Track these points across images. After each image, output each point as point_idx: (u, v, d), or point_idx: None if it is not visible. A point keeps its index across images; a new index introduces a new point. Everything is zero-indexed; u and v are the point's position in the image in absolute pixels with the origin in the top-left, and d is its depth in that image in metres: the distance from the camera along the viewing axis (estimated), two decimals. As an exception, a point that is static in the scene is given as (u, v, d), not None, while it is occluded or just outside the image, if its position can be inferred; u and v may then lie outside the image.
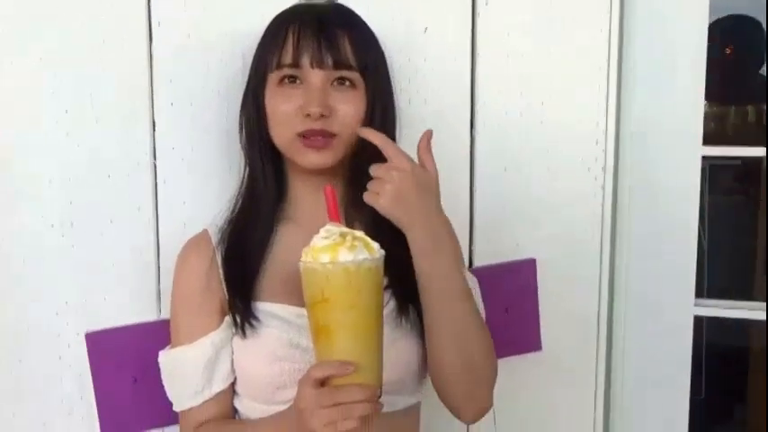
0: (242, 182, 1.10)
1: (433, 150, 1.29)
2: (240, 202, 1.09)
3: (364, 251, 0.86)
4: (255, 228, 1.06)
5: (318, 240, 0.87)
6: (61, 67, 1.17)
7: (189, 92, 1.21)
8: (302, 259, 0.87)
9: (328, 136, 1.00)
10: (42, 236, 1.18)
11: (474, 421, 1.08)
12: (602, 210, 1.38)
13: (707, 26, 1.38)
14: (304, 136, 1.00)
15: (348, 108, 1.02)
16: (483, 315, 1.09)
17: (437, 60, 1.31)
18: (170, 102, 1.21)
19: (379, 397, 0.88)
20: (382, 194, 0.95)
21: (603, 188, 1.37)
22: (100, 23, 1.17)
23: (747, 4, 1.83)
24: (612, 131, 1.36)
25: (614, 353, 1.47)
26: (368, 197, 0.96)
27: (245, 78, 1.09)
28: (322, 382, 0.87)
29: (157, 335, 1.15)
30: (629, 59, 1.39)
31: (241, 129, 1.09)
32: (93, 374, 1.19)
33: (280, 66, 1.01)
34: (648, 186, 1.42)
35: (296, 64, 1.01)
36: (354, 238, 0.86)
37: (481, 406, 1.06)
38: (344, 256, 0.84)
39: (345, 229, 0.88)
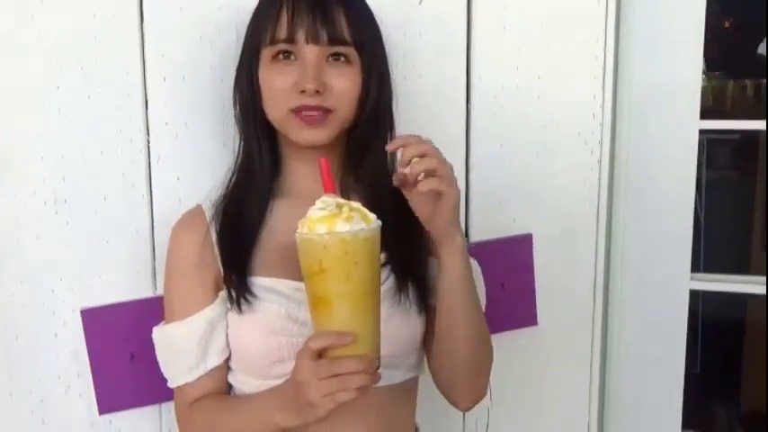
0: (237, 156, 1.09)
1: (430, 125, 1.29)
2: (235, 176, 1.09)
3: (361, 222, 0.86)
4: (251, 202, 1.06)
5: (314, 212, 0.86)
6: (52, 44, 1.15)
7: (181, 67, 1.20)
8: (298, 231, 0.87)
9: (324, 111, 1.00)
10: (36, 213, 1.18)
11: (470, 409, 1.11)
12: (599, 184, 1.37)
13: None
14: (298, 111, 0.99)
15: (344, 83, 1.01)
16: (484, 299, 1.10)
17: (432, 34, 1.29)
18: (162, 77, 1.19)
19: (377, 368, 0.88)
20: (453, 183, 0.92)
21: (600, 162, 1.37)
22: None
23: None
24: (609, 105, 1.35)
25: (610, 327, 1.47)
26: (440, 184, 0.91)
27: (239, 51, 1.08)
28: (320, 354, 0.87)
29: (153, 311, 1.14)
30: (626, 32, 1.38)
31: (235, 104, 1.08)
32: (89, 351, 1.19)
33: (274, 41, 1.00)
34: (645, 160, 1.42)
35: (291, 39, 0.99)
36: (351, 209, 0.86)
37: (479, 394, 1.09)
38: (341, 226, 0.84)
39: (341, 200, 0.88)
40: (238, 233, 1.04)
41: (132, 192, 1.21)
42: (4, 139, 1.16)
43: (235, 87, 1.07)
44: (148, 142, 1.20)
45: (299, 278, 0.97)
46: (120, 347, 1.20)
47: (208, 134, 1.21)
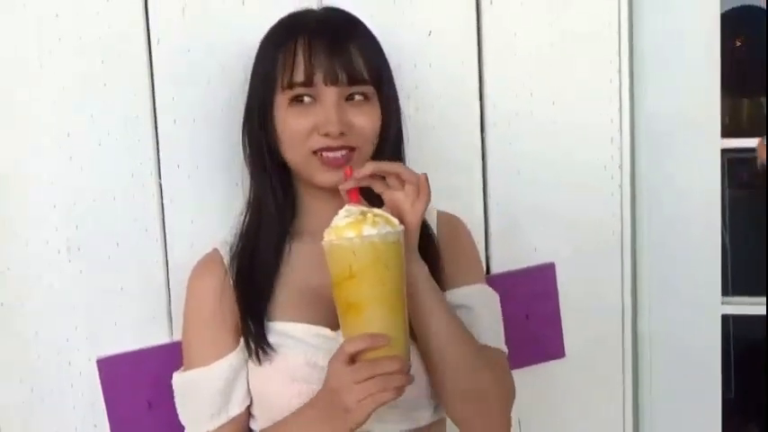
0: (248, 198, 1.07)
1: (445, 156, 1.29)
2: (248, 219, 1.07)
3: (387, 226, 0.87)
4: (267, 246, 1.04)
5: (340, 220, 0.88)
6: (61, 90, 1.15)
7: (191, 109, 1.19)
8: (325, 239, 0.88)
9: (348, 150, 0.99)
10: (49, 262, 1.16)
11: None
12: (621, 209, 1.35)
13: (719, 15, 1.35)
14: (321, 153, 0.98)
15: (365, 121, 1.00)
16: (501, 330, 1.07)
17: (443, 64, 1.28)
18: (173, 119, 1.19)
19: (409, 369, 0.88)
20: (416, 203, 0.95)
21: (621, 187, 1.35)
22: (98, 44, 1.16)
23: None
24: (627, 127, 1.33)
25: (641, 356, 1.43)
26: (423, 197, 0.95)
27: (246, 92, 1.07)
28: (353, 359, 0.87)
29: (171, 357, 1.13)
30: (639, 51, 1.36)
31: (245, 146, 1.06)
32: (106, 401, 1.17)
33: (291, 85, 0.98)
34: (668, 183, 1.39)
35: (309, 83, 0.98)
36: (375, 215, 0.88)
37: (496, 429, 1.03)
38: (369, 230, 0.86)
39: (365, 208, 0.89)
40: (255, 280, 1.02)
41: (145, 236, 1.19)
42: (15, 189, 1.15)
43: (244, 130, 1.06)
44: (160, 185, 1.19)
45: (319, 322, 0.98)
46: (138, 396, 1.18)
47: (220, 175, 1.20)
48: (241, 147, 1.09)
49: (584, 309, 1.36)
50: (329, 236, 0.88)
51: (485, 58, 1.30)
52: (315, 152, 0.99)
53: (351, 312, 0.88)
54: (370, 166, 0.94)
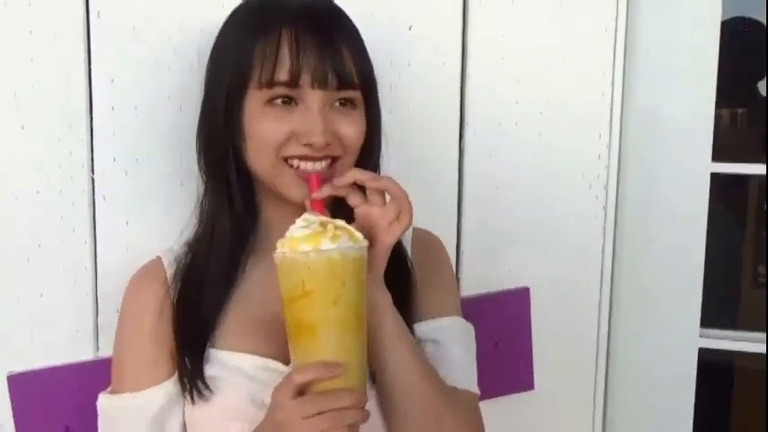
0: (201, 205, 0.96)
1: (418, 164, 1.20)
2: (201, 226, 0.96)
3: (348, 241, 0.80)
4: (217, 266, 0.93)
5: (297, 230, 0.81)
6: (-21, 63, 1.03)
7: (133, 94, 1.08)
8: (278, 250, 0.81)
9: (331, 160, 0.89)
10: (-44, 263, 1.05)
11: None
12: (604, 232, 1.29)
13: (719, 32, 1.28)
14: (298, 164, 0.88)
15: (351, 131, 0.90)
16: (474, 371, 0.98)
17: (423, 63, 1.20)
18: (111, 105, 1.08)
19: (364, 405, 0.80)
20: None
21: (605, 208, 1.29)
22: (26, 12, 1.03)
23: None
24: (616, 144, 1.27)
25: (612, 393, 1.36)
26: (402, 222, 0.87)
27: (201, 79, 0.95)
28: (301, 390, 0.79)
29: (95, 377, 1.03)
30: (635, 64, 1.29)
31: (201, 147, 0.95)
32: (16, 424, 1.06)
33: (272, 83, 0.87)
34: (655, 207, 1.32)
35: (293, 83, 0.86)
36: (336, 227, 0.81)
37: None
38: (327, 245, 0.79)
39: (325, 219, 0.82)
40: (199, 306, 0.92)
41: (72, 237, 1.08)
42: None
43: (201, 127, 0.95)
44: (92, 180, 1.09)
45: (266, 353, 0.90)
46: (54, 419, 1.08)
47: (163, 171, 1.10)
48: (188, 141, 0.97)
49: (558, 338, 1.30)
50: (282, 247, 0.80)
51: (469, 61, 1.22)
52: (286, 159, 0.88)
53: (301, 336, 0.80)
54: (355, 174, 0.87)
